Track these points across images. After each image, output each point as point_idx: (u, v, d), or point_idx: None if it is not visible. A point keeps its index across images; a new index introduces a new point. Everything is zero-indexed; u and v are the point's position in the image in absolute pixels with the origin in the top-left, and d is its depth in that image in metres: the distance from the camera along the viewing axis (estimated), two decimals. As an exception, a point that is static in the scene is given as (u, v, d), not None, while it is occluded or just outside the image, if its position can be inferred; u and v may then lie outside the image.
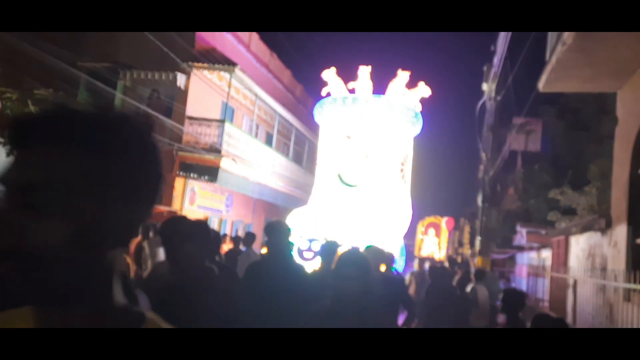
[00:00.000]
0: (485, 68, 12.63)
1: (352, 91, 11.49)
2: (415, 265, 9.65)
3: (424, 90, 11.31)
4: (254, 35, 18.46)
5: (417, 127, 11.42)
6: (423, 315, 6.24)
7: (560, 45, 6.24)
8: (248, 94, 16.68)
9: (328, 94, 11.50)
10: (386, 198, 10.54)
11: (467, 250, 24.41)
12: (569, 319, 8.81)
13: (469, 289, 7.53)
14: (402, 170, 11.08)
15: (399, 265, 10.08)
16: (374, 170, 10.64)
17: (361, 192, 10.59)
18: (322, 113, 11.59)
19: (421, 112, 11.64)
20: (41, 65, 11.89)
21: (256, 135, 17.39)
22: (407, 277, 9.25)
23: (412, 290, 8.61)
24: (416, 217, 25.76)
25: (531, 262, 14.65)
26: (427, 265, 9.41)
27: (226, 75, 14.92)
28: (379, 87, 11.64)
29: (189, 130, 14.15)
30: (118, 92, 14.07)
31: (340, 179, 10.63)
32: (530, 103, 10.04)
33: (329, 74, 11.48)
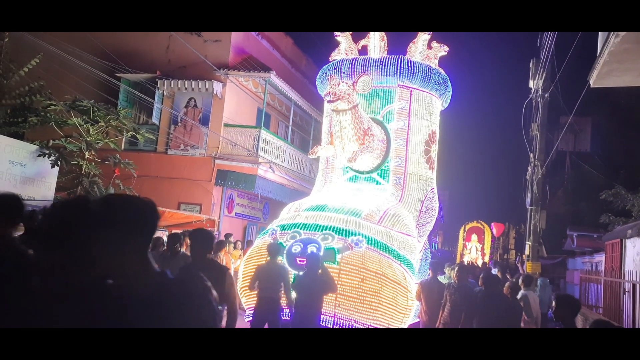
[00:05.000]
0: (531, 64, 12.14)
1: (362, 52, 8.80)
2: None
3: (439, 49, 8.76)
4: (288, 40, 18.46)
5: (445, 97, 8.89)
6: (475, 323, 5.93)
7: (613, 37, 5.86)
8: (283, 99, 16.64)
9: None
10: (406, 188, 8.16)
11: (513, 256, 23.67)
12: (628, 326, 8.28)
13: (519, 296, 7.16)
14: (427, 151, 8.44)
15: (424, 270, 8.15)
16: (390, 153, 8.19)
17: (374, 181, 8.26)
18: (325, 82, 8.72)
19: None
20: (83, 77, 12.16)
21: (292, 141, 17.32)
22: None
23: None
24: (458, 223, 25.18)
25: (583, 267, 13.98)
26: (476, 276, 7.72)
27: (261, 81, 14.92)
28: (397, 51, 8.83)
29: (226, 138, 14.20)
30: (156, 102, 14.27)
31: (339, 159, 8.27)
32: (579, 102, 9.51)
33: (345, 36, 8.88)
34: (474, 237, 23.80)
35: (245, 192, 15.27)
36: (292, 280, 6.35)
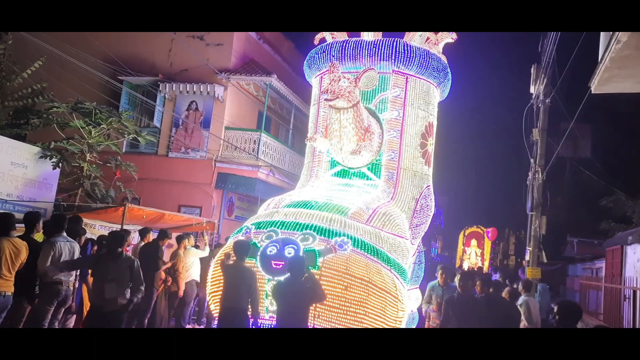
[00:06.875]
0: (533, 69, 12.16)
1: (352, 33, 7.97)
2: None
3: (446, 34, 7.89)
4: (289, 44, 18.51)
5: (444, 86, 8.00)
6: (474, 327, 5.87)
7: (614, 42, 5.89)
8: (284, 103, 16.68)
9: (322, 40, 8.04)
10: (399, 184, 7.25)
11: (513, 262, 23.66)
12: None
13: (520, 301, 7.16)
14: (423, 145, 7.54)
15: (418, 275, 7.53)
16: (383, 147, 7.28)
17: (364, 176, 7.38)
18: (313, 68, 8.05)
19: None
20: (85, 79, 12.19)
21: (292, 145, 17.35)
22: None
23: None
24: (458, 227, 25.16)
25: (583, 273, 13.99)
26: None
27: (263, 85, 14.97)
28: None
29: (226, 141, 14.24)
30: (158, 105, 14.31)
31: (333, 158, 7.50)
32: (580, 107, 9.53)
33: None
34: (474, 242, 23.66)
35: (246, 195, 15.28)
36: (265, 286, 5.63)
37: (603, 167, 14.63)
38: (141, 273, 5.69)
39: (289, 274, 5.36)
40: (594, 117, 15.01)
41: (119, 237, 5.72)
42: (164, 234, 8.25)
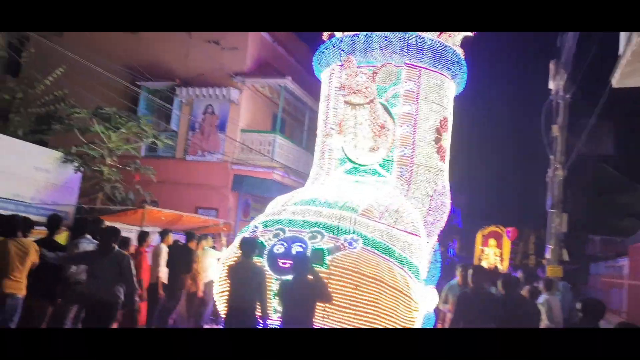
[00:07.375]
0: (551, 65, 11.99)
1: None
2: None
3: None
4: (303, 46, 18.56)
5: (459, 79, 7.64)
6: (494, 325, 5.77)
7: (636, 36, 5.81)
8: (299, 105, 16.72)
9: (331, 36, 7.78)
10: (413, 181, 6.97)
11: (532, 262, 23.30)
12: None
13: (541, 300, 7.05)
14: (437, 140, 7.21)
15: (433, 274, 7.18)
16: (396, 143, 6.97)
17: (375, 173, 7.07)
18: (322, 63, 7.80)
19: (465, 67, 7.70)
20: (104, 85, 12.37)
21: (307, 146, 17.38)
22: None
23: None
24: (475, 227, 24.85)
25: (606, 271, 13.76)
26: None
27: (277, 87, 15.04)
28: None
29: (242, 144, 14.33)
30: (175, 109, 14.47)
31: (347, 155, 7.19)
32: (601, 103, 9.36)
33: None
34: (492, 241, 23.24)
35: (261, 197, 15.33)
36: (272, 285, 5.43)
37: (625, 164, 14.39)
38: (132, 270, 5.53)
39: (293, 272, 5.19)
40: (616, 114, 14.77)
41: (112, 231, 5.60)
42: (191, 236, 8.40)
